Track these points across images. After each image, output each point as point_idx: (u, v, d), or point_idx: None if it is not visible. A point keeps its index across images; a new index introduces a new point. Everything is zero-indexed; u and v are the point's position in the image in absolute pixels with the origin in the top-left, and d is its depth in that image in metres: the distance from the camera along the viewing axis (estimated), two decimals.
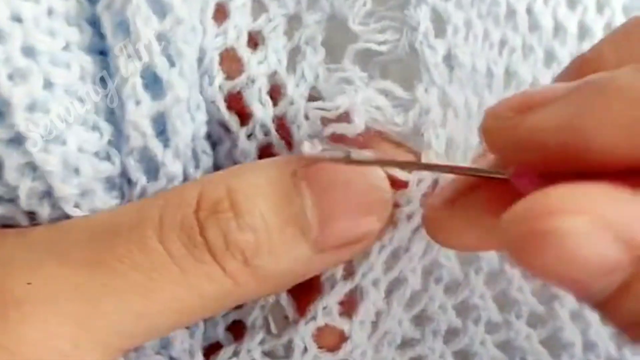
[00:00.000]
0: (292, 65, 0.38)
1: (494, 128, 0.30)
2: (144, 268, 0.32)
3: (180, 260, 0.32)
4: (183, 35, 0.34)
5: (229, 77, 0.37)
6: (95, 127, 0.34)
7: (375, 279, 0.38)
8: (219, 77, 0.37)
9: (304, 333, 0.37)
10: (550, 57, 0.43)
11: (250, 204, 0.33)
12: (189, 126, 0.35)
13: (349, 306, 0.38)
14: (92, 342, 0.31)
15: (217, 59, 0.36)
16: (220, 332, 0.38)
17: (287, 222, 0.33)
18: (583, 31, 0.44)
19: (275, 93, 0.37)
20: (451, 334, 0.41)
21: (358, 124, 0.36)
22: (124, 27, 0.34)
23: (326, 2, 0.38)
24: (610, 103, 0.27)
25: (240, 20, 0.37)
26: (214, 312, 0.35)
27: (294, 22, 0.38)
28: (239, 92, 0.37)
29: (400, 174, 0.36)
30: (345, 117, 0.36)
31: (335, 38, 0.38)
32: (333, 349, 0.38)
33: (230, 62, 0.37)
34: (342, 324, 0.38)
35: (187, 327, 0.37)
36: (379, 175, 0.35)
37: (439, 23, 0.37)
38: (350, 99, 0.36)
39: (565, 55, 0.43)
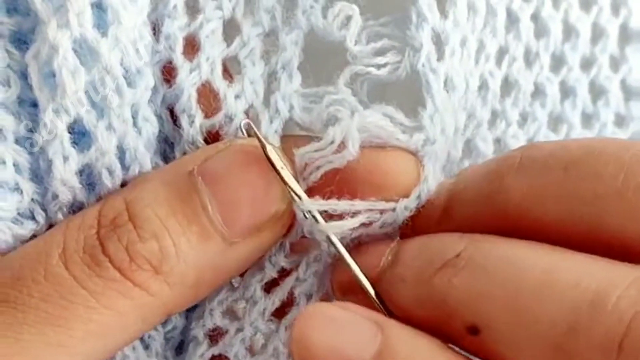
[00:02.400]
0: (268, 95, 0.37)
1: None
2: (53, 298, 0.31)
3: (87, 282, 0.31)
4: (113, 83, 0.34)
5: (207, 115, 0.36)
6: (16, 189, 0.34)
7: None
8: (199, 117, 0.36)
9: (286, 338, 0.37)
10: (559, 62, 0.42)
11: (148, 211, 0.32)
12: (117, 175, 0.35)
13: None
14: None
15: (194, 96, 0.36)
16: None
17: (190, 221, 0.33)
18: (596, 33, 0.43)
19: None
20: None
21: (351, 151, 0.34)
22: (51, 79, 0.33)
23: (302, 17, 0.36)
24: None
25: (212, 50, 0.36)
26: (143, 327, 0.34)
27: (270, 39, 0.37)
28: (217, 132, 0.36)
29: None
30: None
31: (315, 56, 0.37)
32: None
33: (207, 98, 0.36)
34: None
35: None
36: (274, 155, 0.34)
37: (438, 45, 0.36)
38: (343, 127, 0.34)
39: (576, 58, 0.42)
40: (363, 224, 0.35)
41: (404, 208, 0.35)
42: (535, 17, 0.41)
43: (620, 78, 0.44)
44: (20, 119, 0.34)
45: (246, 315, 0.37)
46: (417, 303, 0.32)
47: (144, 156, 0.35)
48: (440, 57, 0.36)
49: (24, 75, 0.34)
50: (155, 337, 0.37)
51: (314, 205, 0.34)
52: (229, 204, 0.33)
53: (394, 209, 0.35)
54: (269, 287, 0.37)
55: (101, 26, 0.33)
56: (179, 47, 0.35)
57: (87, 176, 0.34)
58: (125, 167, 0.35)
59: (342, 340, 0.31)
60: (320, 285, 0.37)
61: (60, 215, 0.34)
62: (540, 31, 0.41)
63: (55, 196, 0.34)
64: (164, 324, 0.37)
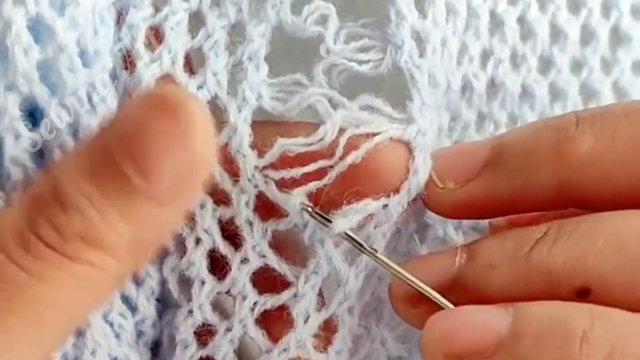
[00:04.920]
0: (234, 85, 0.36)
1: None
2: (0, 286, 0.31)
3: (26, 264, 0.32)
4: (68, 62, 0.33)
5: None
6: None
7: (350, 306, 0.37)
8: None
9: None
10: (547, 64, 0.42)
11: (71, 186, 0.32)
12: None
13: (324, 338, 0.38)
14: None
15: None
16: None
17: (114, 190, 0.32)
18: (586, 35, 0.43)
19: (216, 119, 0.36)
20: None
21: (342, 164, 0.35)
22: (3, 56, 0.33)
23: (271, 10, 0.36)
24: None
25: (175, 43, 0.36)
26: (95, 302, 0.34)
27: (236, 31, 0.37)
28: None
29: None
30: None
31: (281, 50, 0.37)
32: None
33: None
34: (317, 357, 0.37)
35: None
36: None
37: (419, 42, 0.36)
38: (334, 123, 0.35)
39: (566, 60, 0.43)
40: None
41: (397, 204, 0.36)
42: (521, 20, 0.41)
43: (612, 80, 0.44)
44: None
45: (236, 312, 0.37)
46: (514, 282, 0.34)
47: None
48: (422, 54, 0.36)
49: None
50: (125, 327, 0.37)
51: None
52: (147, 165, 0.32)
53: (386, 206, 0.36)
54: (259, 283, 0.37)
55: (59, 6, 0.33)
56: (141, 37, 0.36)
57: (40, 154, 0.34)
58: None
59: (480, 319, 0.33)
60: (318, 304, 0.37)
61: (14, 196, 0.34)
62: (527, 34, 0.41)
63: (8, 176, 0.34)
64: (133, 313, 0.37)
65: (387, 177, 0.36)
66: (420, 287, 0.35)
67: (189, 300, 0.37)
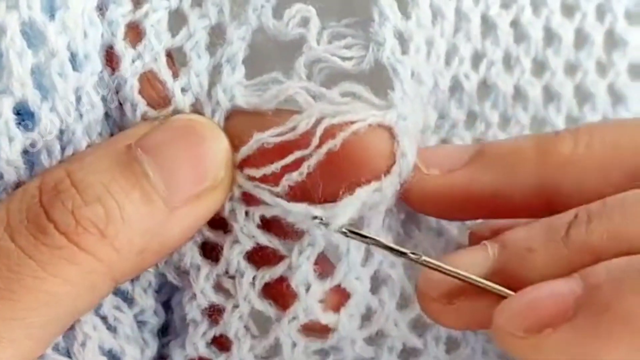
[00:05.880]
0: (211, 88, 0.37)
1: None
2: (2, 272, 0.32)
3: (33, 252, 0.32)
4: (59, 67, 0.34)
5: (152, 105, 0.37)
6: None
7: (358, 276, 0.38)
8: (141, 106, 0.36)
9: (288, 330, 0.37)
10: (541, 67, 0.43)
11: (91, 177, 0.33)
12: (56, 157, 0.35)
13: (334, 301, 0.38)
14: None
15: (136, 85, 0.36)
16: (201, 347, 0.39)
17: (133, 186, 0.33)
18: (580, 39, 0.44)
19: None
20: (452, 343, 0.41)
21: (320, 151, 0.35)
22: None
23: (252, 14, 0.37)
24: None
25: (156, 40, 0.36)
26: (93, 297, 0.34)
27: (216, 33, 0.37)
28: None
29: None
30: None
31: (261, 52, 0.37)
32: (321, 336, 0.38)
33: (151, 88, 0.37)
34: (327, 319, 0.38)
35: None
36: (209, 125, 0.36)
37: (402, 41, 0.37)
38: (309, 114, 0.35)
39: (560, 63, 0.44)
40: None
41: (390, 184, 0.36)
42: (514, 24, 0.42)
43: (607, 83, 0.44)
44: None
45: (238, 290, 0.38)
46: (557, 263, 0.34)
47: (80, 140, 0.36)
48: (404, 51, 0.37)
49: None
50: (122, 319, 0.38)
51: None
52: (169, 171, 0.34)
53: (380, 189, 0.36)
54: (256, 261, 0.38)
55: (49, 10, 0.34)
56: (120, 34, 0.36)
57: (30, 156, 0.35)
58: (62, 149, 0.35)
59: (553, 288, 0.33)
60: (318, 274, 0.38)
61: (4, 196, 0.35)
62: (520, 37, 0.42)
63: (0, 176, 0.35)
64: (131, 305, 0.38)
65: (375, 163, 0.36)
66: (475, 280, 0.35)
67: (191, 287, 0.39)
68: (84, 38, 0.35)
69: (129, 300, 0.38)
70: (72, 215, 0.33)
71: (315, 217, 0.36)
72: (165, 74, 0.37)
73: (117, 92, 0.37)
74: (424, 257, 0.36)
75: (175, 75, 0.37)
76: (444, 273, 0.35)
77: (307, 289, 0.38)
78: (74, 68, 0.35)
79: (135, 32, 0.37)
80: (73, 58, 0.35)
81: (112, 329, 0.38)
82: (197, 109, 0.37)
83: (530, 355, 0.33)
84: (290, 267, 0.38)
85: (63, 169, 0.34)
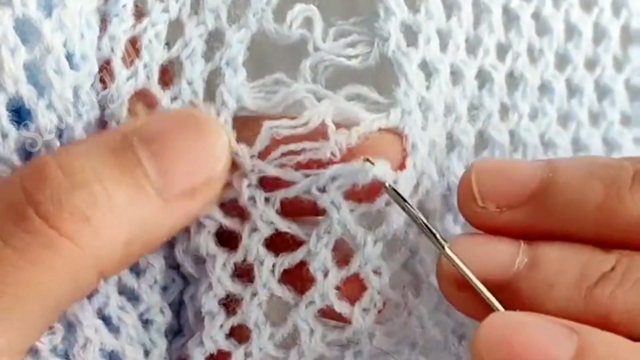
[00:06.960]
0: (211, 91, 0.37)
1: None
2: None
3: (12, 239, 0.30)
4: (54, 64, 0.34)
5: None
6: None
7: (375, 269, 0.37)
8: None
9: (306, 315, 0.37)
10: (563, 60, 0.43)
11: (80, 161, 0.31)
12: None
13: (349, 290, 0.38)
14: None
15: (125, 104, 0.36)
16: (220, 340, 0.37)
17: (124, 174, 0.32)
18: (598, 34, 0.44)
19: None
20: None
21: (334, 140, 0.36)
22: None
23: (252, 18, 0.37)
24: None
25: (151, 57, 0.36)
26: (76, 290, 0.32)
27: (214, 38, 0.37)
28: None
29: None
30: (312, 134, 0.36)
31: (262, 55, 0.38)
32: (337, 325, 0.38)
33: (142, 105, 0.36)
34: (342, 308, 0.37)
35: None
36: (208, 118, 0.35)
37: (410, 34, 0.37)
38: (320, 111, 0.36)
39: (581, 57, 0.43)
40: None
41: (406, 178, 0.37)
42: (536, 16, 0.42)
43: (624, 78, 0.45)
44: None
45: (257, 277, 0.37)
46: (569, 308, 0.33)
47: (81, 137, 0.35)
48: (411, 43, 0.37)
49: None
50: (126, 320, 0.37)
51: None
52: (165, 162, 0.33)
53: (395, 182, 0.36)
54: (274, 248, 0.37)
55: (46, 7, 0.34)
56: (120, 51, 0.36)
57: (27, 155, 0.34)
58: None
59: (542, 340, 0.31)
60: (335, 260, 0.37)
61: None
62: (543, 29, 0.42)
63: None
64: (136, 303, 0.37)
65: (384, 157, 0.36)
66: (477, 287, 0.34)
67: (207, 276, 0.37)
68: (81, 39, 0.35)
69: (134, 297, 0.37)
70: (57, 198, 0.30)
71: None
72: (156, 90, 0.36)
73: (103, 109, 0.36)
74: (447, 249, 0.35)
75: (167, 87, 0.37)
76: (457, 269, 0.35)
77: (325, 275, 0.37)
78: (71, 67, 0.34)
79: (133, 46, 0.36)
80: (70, 57, 0.34)
81: (114, 330, 0.36)
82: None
83: None
84: (309, 252, 0.37)
85: (50, 155, 0.32)
